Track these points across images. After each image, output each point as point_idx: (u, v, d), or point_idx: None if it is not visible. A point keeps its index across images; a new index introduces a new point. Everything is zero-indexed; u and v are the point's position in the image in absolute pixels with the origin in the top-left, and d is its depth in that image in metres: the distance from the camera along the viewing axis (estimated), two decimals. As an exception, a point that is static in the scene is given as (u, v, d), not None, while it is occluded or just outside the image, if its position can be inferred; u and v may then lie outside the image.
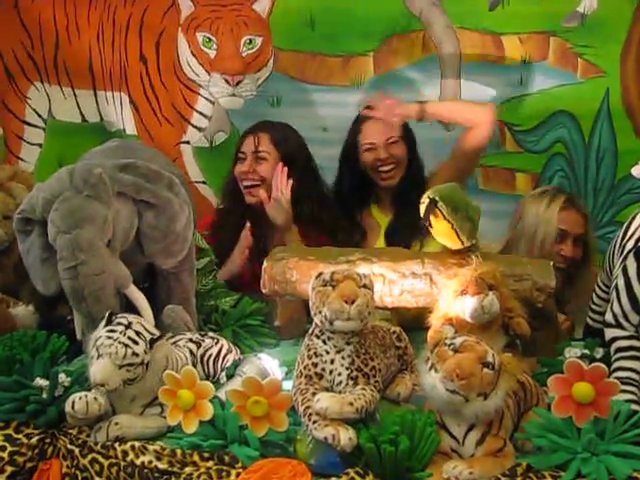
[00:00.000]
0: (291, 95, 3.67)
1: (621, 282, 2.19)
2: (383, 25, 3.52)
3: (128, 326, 2.04)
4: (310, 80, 3.65)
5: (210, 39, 3.71)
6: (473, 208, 2.41)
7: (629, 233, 2.29)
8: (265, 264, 2.57)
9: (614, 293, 2.21)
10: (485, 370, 1.79)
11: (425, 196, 2.37)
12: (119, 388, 1.99)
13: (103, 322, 2.07)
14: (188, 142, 3.87)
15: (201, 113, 3.83)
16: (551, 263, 2.49)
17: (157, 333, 2.09)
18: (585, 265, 3.00)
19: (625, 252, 2.24)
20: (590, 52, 3.36)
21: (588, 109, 3.39)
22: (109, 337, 2.00)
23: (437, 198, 2.35)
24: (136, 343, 2.01)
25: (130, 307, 2.34)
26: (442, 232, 2.40)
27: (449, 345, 1.83)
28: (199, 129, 3.85)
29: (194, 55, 3.76)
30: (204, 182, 3.85)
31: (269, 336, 2.71)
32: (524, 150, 3.50)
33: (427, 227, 2.40)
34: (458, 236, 2.38)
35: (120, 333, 2.01)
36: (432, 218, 2.36)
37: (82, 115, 3.95)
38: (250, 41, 3.67)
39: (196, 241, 2.72)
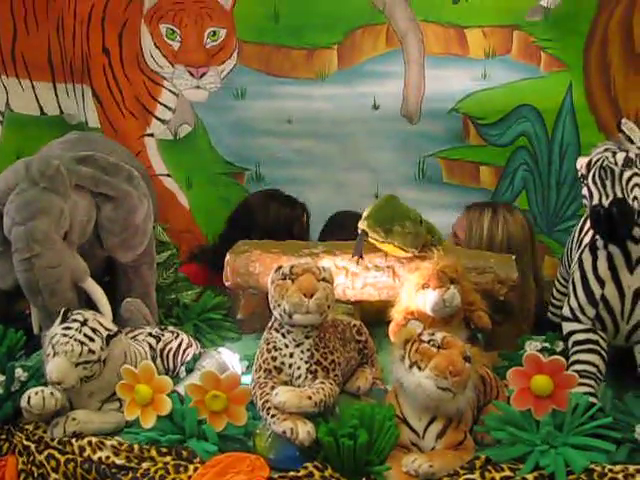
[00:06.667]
0: (255, 87, 3.65)
1: (577, 276, 2.19)
2: (347, 18, 3.51)
3: (84, 323, 2.02)
4: (274, 73, 3.63)
5: (174, 31, 3.67)
6: (412, 219, 2.42)
7: (586, 228, 2.30)
8: (228, 257, 2.56)
9: (571, 287, 2.22)
10: (467, 364, 1.79)
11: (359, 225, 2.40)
12: (76, 386, 1.97)
13: (59, 319, 2.04)
14: (152, 135, 3.83)
15: (165, 105, 3.79)
16: (513, 257, 2.50)
17: (114, 329, 2.07)
18: None
19: (582, 246, 2.24)
20: (553, 46, 3.36)
21: (551, 103, 3.39)
22: (65, 335, 1.98)
23: (366, 229, 2.38)
24: (92, 340, 1.99)
25: (90, 301, 2.31)
26: (388, 250, 2.42)
27: (429, 342, 1.81)
28: (163, 121, 3.81)
29: (157, 47, 3.71)
30: (168, 175, 3.81)
31: (231, 330, 2.70)
32: (488, 143, 3.50)
33: (360, 258, 2.43)
34: (404, 250, 2.39)
35: (76, 330, 1.99)
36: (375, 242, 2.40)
37: (41, 108, 3.88)
38: (214, 33, 3.64)
39: (157, 234, 2.69)
